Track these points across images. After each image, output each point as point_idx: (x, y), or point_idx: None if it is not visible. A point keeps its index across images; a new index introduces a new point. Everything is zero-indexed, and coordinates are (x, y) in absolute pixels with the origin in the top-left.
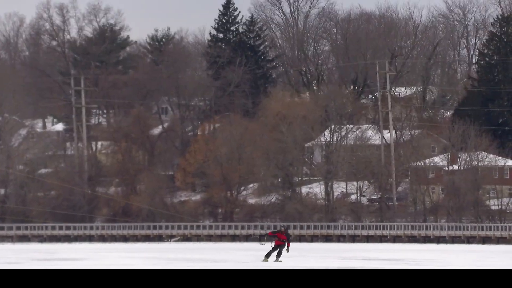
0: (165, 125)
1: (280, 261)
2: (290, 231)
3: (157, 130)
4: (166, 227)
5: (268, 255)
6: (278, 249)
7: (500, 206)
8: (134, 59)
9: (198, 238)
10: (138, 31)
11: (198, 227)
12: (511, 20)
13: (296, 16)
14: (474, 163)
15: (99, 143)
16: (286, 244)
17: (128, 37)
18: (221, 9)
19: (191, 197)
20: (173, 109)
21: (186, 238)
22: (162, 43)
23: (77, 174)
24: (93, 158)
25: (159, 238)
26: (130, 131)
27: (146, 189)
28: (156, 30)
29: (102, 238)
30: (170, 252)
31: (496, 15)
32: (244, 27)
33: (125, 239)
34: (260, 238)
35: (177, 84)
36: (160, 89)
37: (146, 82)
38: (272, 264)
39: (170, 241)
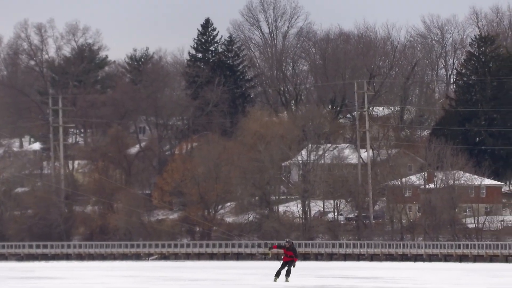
0: (143, 144)
1: (288, 281)
2: (267, 250)
3: (134, 149)
4: (144, 246)
5: (277, 274)
6: (287, 267)
7: (476, 225)
8: (113, 78)
9: (176, 257)
10: (116, 50)
11: (175, 245)
12: (489, 40)
13: (275, 36)
14: (451, 182)
15: (76, 162)
16: (294, 259)
17: (106, 56)
18: (200, 28)
19: (169, 216)
20: (151, 128)
21: (163, 257)
22: (140, 63)
23: (54, 193)
24: (70, 177)
25: (137, 257)
26: (107, 150)
27: (123, 208)
28: (135, 50)
29: (80, 257)
30: (148, 271)
31: (474, 35)
32: (223, 46)
33: (102, 257)
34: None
35: (155, 103)
36: (138, 109)
37: (124, 102)
38: (246, 283)
39: (148, 259)
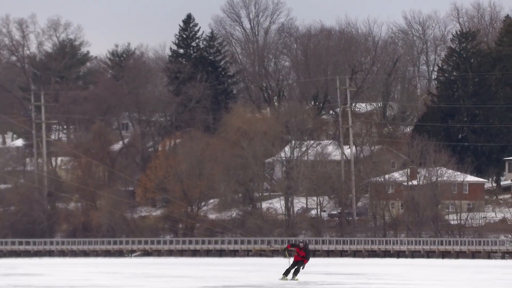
0: (126, 140)
1: (297, 279)
2: (250, 246)
3: (117, 146)
4: (127, 242)
5: (286, 272)
6: (296, 266)
7: (459, 221)
8: (95, 74)
9: (159, 253)
10: (98, 46)
11: (158, 242)
12: (470, 36)
13: (256, 32)
14: (434, 179)
15: (59, 158)
16: (305, 260)
17: (88, 52)
18: (182, 24)
19: (152, 213)
20: (134, 124)
21: (146, 253)
22: (122, 59)
23: (37, 189)
24: (53, 174)
25: (120, 253)
26: (90, 147)
27: (106, 205)
28: (117, 46)
29: (63, 253)
30: (131, 267)
31: (455, 31)
32: (205, 42)
33: (85, 254)
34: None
35: (137, 99)
36: (120, 105)
37: (107, 98)
38: (229, 280)
39: (131, 256)
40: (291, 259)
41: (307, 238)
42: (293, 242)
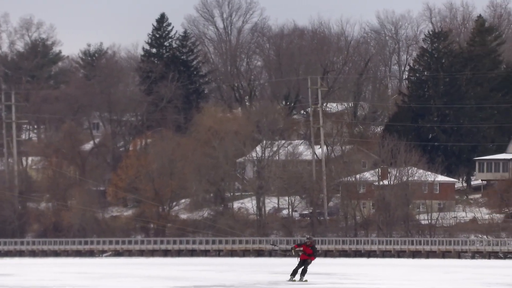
0: (97, 140)
1: (306, 280)
2: (221, 246)
3: (88, 146)
4: (98, 242)
5: (294, 273)
6: (303, 266)
7: (429, 221)
8: (66, 74)
9: (130, 253)
10: (70, 45)
11: (129, 242)
12: (442, 36)
13: (229, 31)
14: (404, 178)
15: (30, 158)
16: (311, 259)
17: (60, 51)
18: (155, 24)
19: (123, 212)
20: (105, 124)
21: (117, 253)
22: (94, 58)
23: (8, 189)
24: (24, 174)
25: (90, 253)
26: (61, 147)
27: (77, 204)
28: (89, 45)
29: (33, 253)
30: (102, 267)
31: (428, 31)
32: (177, 42)
33: (56, 254)
34: (271, 253)
35: (109, 99)
36: (91, 104)
37: (78, 97)
38: (211, 281)
39: (102, 256)
40: (298, 258)
41: (310, 236)
42: (300, 241)
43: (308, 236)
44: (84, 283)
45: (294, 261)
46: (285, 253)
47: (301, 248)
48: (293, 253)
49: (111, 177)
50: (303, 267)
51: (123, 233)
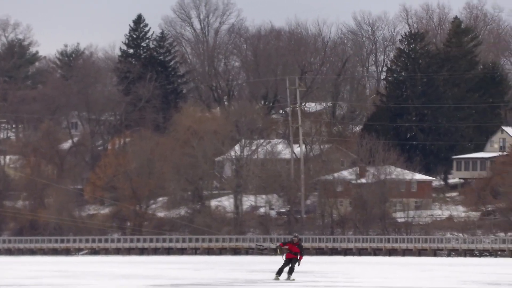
0: (75, 139)
1: (293, 279)
2: (198, 244)
3: (66, 145)
4: (74, 241)
5: (279, 272)
6: (290, 264)
7: (406, 219)
8: (44, 74)
9: (106, 252)
10: (47, 46)
11: (106, 240)
12: (418, 37)
13: (207, 32)
14: (382, 177)
15: (8, 157)
16: (299, 257)
17: (37, 52)
18: (132, 24)
19: (100, 211)
20: (83, 123)
21: (94, 252)
22: (71, 58)
23: None
24: (1, 172)
25: (67, 252)
26: (39, 146)
27: (54, 203)
28: (66, 45)
29: (9, 252)
30: (78, 266)
31: (404, 32)
32: (155, 42)
33: (32, 252)
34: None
35: (87, 99)
36: (69, 104)
37: (56, 97)
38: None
39: (78, 254)
40: (283, 257)
41: (297, 234)
42: (286, 240)
43: (295, 234)
44: (61, 281)
45: (266, 259)
46: (268, 252)
47: (287, 247)
48: (279, 252)
49: (89, 176)
50: (290, 266)
51: (100, 232)
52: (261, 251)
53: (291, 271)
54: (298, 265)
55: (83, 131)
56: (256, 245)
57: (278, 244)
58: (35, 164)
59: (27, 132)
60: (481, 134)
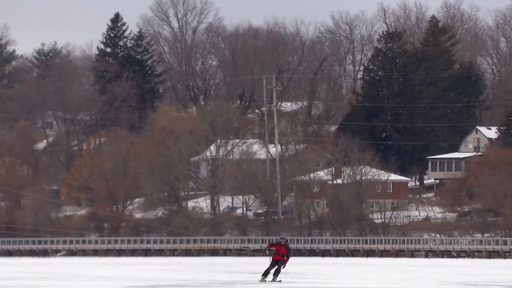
0: (50, 139)
1: (279, 281)
2: (176, 245)
3: (42, 145)
4: (51, 242)
5: (266, 273)
6: (276, 266)
7: (383, 220)
8: (20, 73)
9: (84, 253)
10: (24, 45)
11: (83, 241)
12: (396, 37)
13: (184, 31)
14: (358, 177)
15: None
16: (285, 259)
17: (14, 51)
18: (109, 23)
19: (77, 212)
20: (58, 123)
21: (71, 253)
22: (48, 57)
23: None
24: None
25: (44, 253)
26: (14, 146)
27: (31, 204)
28: (43, 44)
29: None
30: (56, 267)
31: (382, 31)
32: (132, 41)
33: (9, 253)
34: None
35: (63, 98)
36: (45, 104)
37: (32, 97)
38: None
39: (55, 255)
40: (270, 258)
41: (285, 236)
42: (273, 241)
43: (282, 236)
44: (38, 283)
45: (244, 260)
46: (254, 253)
47: (274, 248)
48: (267, 253)
49: (65, 176)
50: (276, 268)
51: (77, 233)
52: (253, 253)
53: (277, 273)
54: (283, 267)
55: (58, 131)
56: (243, 247)
57: (266, 245)
58: (10, 164)
59: (2, 131)
60: (456, 134)
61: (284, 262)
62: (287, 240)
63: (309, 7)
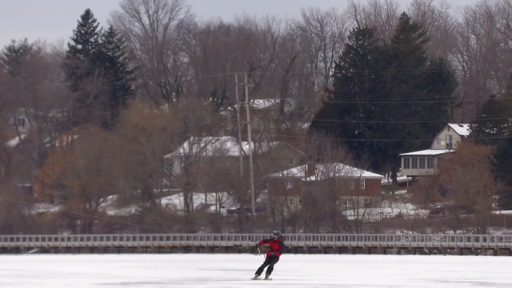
0: (22, 136)
1: (271, 279)
2: (149, 242)
3: (14, 142)
4: (24, 239)
5: (259, 271)
6: (270, 264)
7: (356, 217)
8: None
9: (56, 250)
10: None
11: (56, 239)
12: (367, 34)
13: (156, 28)
14: (331, 174)
15: None
16: (276, 254)
17: None
18: (80, 20)
19: (49, 209)
20: (30, 120)
21: (44, 250)
22: (19, 54)
23: None
24: None
25: (16, 250)
26: None
27: (3, 201)
28: (13, 41)
29: None
30: (28, 265)
31: (353, 28)
32: (103, 38)
33: None
34: (254, 250)
35: (34, 95)
36: (17, 100)
37: (3, 94)
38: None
39: (28, 253)
40: (265, 255)
41: (279, 231)
42: (267, 237)
43: (275, 232)
44: (11, 280)
45: (217, 257)
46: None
47: (268, 245)
48: (259, 250)
49: (37, 174)
50: (269, 265)
51: (50, 230)
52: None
53: (269, 271)
54: (275, 263)
55: (31, 128)
56: (235, 244)
57: (258, 242)
58: None
59: None
60: (428, 131)
61: (277, 259)
62: (281, 236)
63: (280, 4)
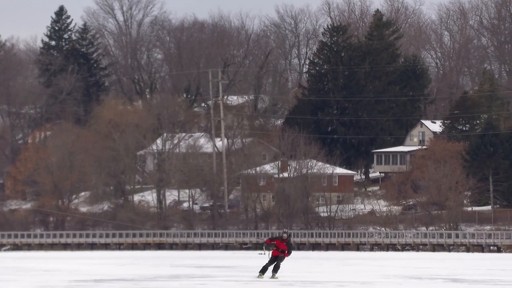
0: None
1: (277, 277)
2: (122, 239)
3: None
4: None
5: (263, 270)
6: (275, 262)
7: (329, 213)
8: None
9: (29, 247)
10: None
11: (29, 235)
12: (340, 30)
13: (130, 24)
14: (304, 171)
15: None
16: (285, 255)
17: None
18: (54, 16)
19: (22, 206)
20: (3, 116)
21: (16, 247)
22: None
23: None
24: None
25: None
26: None
27: None
28: None
29: None
30: (0, 262)
31: (327, 25)
32: (77, 34)
33: None
34: (258, 247)
35: (7, 91)
36: None
37: None
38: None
39: (0, 250)
40: (270, 254)
41: (287, 230)
42: (273, 236)
43: (284, 230)
44: None
45: (190, 254)
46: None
47: (274, 243)
48: (265, 249)
49: (10, 170)
50: (275, 263)
51: (22, 227)
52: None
53: (276, 269)
54: (282, 261)
55: (3, 124)
56: (238, 243)
57: (264, 240)
58: None
59: None
60: (401, 127)
61: (283, 258)
62: (290, 235)
63: (254, 1)
